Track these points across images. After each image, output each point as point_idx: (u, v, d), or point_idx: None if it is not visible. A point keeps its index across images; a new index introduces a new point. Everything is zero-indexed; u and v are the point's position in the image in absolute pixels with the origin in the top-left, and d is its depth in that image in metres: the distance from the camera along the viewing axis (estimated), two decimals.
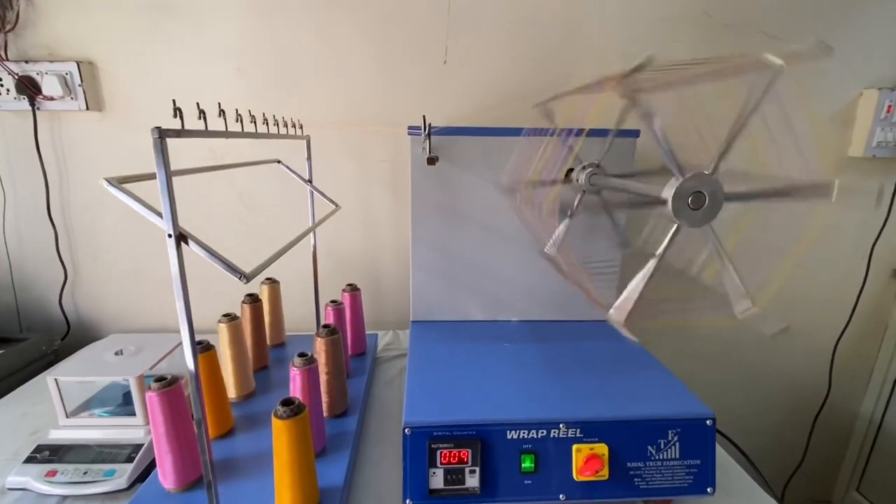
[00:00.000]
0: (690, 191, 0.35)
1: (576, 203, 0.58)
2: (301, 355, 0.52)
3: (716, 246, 0.41)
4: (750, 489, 0.55)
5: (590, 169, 0.58)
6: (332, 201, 0.75)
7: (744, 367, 1.10)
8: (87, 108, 0.85)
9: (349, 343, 0.76)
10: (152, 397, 0.45)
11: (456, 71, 0.87)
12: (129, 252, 0.93)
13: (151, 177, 0.36)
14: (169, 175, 0.34)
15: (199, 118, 0.42)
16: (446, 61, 0.86)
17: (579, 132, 0.48)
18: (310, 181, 0.78)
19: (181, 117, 0.39)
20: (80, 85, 0.84)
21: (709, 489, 0.48)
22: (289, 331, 0.84)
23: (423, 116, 0.63)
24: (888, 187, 0.99)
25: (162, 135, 0.33)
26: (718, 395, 1.10)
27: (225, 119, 0.46)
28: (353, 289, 0.76)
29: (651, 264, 0.38)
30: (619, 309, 0.37)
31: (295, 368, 0.51)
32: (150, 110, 0.86)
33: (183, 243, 0.36)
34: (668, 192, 0.35)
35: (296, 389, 0.51)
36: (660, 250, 0.38)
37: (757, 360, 1.10)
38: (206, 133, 0.41)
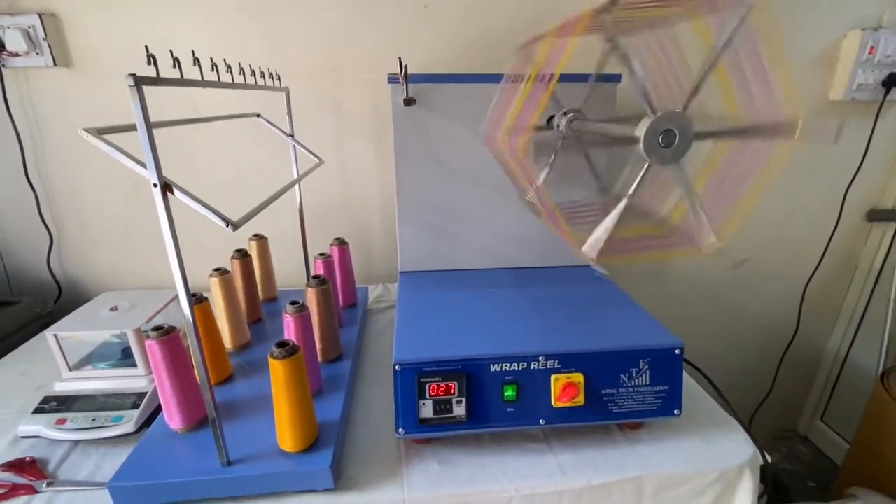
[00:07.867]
0: (661, 129, 0.36)
1: (557, 147, 0.59)
2: (293, 303, 0.54)
3: (685, 185, 0.42)
4: (715, 413, 0.60)
5: (570, 114, 0.58)
6: (315, 155, 0.75)
7: (718, 310, 1.16)
8: (55, 64, 0.82)
9: (340, 295, 0.78)
10: (153, 345, 0.48)
11: (437, 14, 0.84)
12: (113, 212, 0.93)
13: (132, 127, 0.36)
14: (149, 123, 0.35)
15: (175, 66, 0.42)
16: (427, 5, 0.84)
17: (551, 77, 0.48)
18: (291, 135, 0.77)
19: (156, 65, 0.38)
20: (44, 39, 0.80)
21: (675, 411, 0.53)
22: (280, 286, 0.86)
23: (399, 58, 0.62)
24: (857, 126, 1.00)
25: (138, 82, 0.34)
26: (692, 335, 1.15)
27: (200, 68, 0.45)
28: (341, 243, 0.77)
29: (622, 203, 0.40)
30: (592, 245, 0.39)
31: (288, 315, 0.53)
32: (120, 64, 0.83)
33: (168, 193, 0.37)
34: (640, 131, 0.36)
35: (290, 335, 0.54)
36: (631, 189, 0.40)
37: (730, 302, 1.15)
38: (183, 82, 0.41)
